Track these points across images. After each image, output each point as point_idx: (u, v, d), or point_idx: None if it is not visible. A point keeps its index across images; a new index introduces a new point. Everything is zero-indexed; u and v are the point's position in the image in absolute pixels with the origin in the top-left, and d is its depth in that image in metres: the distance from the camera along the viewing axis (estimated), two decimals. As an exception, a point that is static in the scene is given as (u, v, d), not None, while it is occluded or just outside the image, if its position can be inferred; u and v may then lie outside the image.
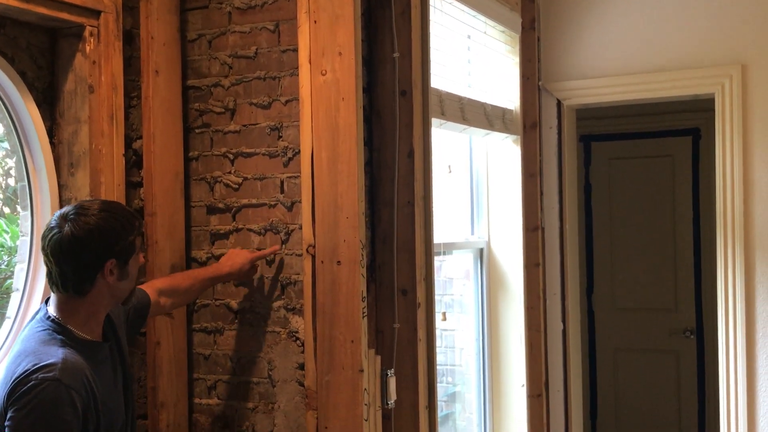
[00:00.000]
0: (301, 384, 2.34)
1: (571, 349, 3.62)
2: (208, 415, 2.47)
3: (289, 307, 2.37)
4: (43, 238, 1.85)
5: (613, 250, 4.94)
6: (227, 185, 2.44)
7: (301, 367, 2.34)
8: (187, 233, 2.49)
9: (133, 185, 2.46)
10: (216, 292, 2.47)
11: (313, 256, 2.29)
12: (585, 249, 4.96)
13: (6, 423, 1.74)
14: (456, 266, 3.48)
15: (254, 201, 2.41)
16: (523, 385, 3.41)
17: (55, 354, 1.78)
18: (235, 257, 2.35)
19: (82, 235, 1.81)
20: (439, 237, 2.79)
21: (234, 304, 2.44)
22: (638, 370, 4.89)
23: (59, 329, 1.84)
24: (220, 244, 2.46)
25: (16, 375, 1.76)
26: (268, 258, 2.39)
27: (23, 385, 1.74)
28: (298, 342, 2.35)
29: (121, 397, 1.94)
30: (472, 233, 3.50)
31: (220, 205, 2.46)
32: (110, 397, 1.88)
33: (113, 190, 2.33)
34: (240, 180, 2.43)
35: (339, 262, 2.25)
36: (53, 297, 1.88)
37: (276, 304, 2.39)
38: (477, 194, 3.50)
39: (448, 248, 3.21)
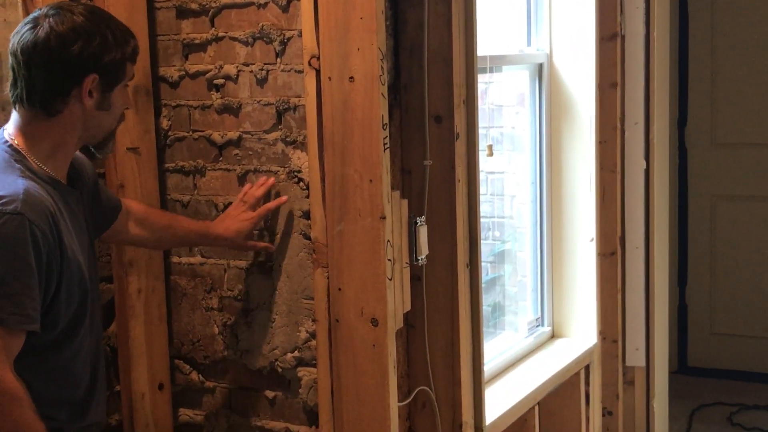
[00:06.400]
0: (307, 236, 2.38)
1: (655, 195, 3.65)
2: (190, 277, 2.55)
3: (288, 139, 2.39)
4: (14, 35, 1.91)
5: (714, 67, 4.90)
6: (201, -22, 2.43)
7: (306, 215, 2.38)
8: (152, 45, 2.50)
9: (76, -20, 2.42)
10: (193, 121, 2.48)
11: (318, 71, 2.28)
12: (678, 65, 4.89)
13: None
14: (507, 88, 3.47)
15: (238, -1, 2.40)
16: (592, 240, 3.46)
17: (15, 184, 1.84)
18: (230, 221, 2.36)
19: (64, 32, 1.87)
20: (484, 48, 2.76)
21: (217, 136, 2.46)
22: (743, 223, 4.94)
23: (18, 157, 1.90)
24: (196, 59, 2.47)
25: None
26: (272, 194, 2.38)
27: None
28: (301, 184, 2.38)
29: (84, 257, 1.99)
30: (529, 44, 3.47)
31: (193, 6, 2.44)
32: (75, 249, 1.94)
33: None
34: (218, -29, 2.41)
35: (352, 78, 2.24)
36: (13, 118, 1.94)
37: (271, 137, 2.41)
38: (535, -10, 3.44)
39: (497, 63, 3.18)
